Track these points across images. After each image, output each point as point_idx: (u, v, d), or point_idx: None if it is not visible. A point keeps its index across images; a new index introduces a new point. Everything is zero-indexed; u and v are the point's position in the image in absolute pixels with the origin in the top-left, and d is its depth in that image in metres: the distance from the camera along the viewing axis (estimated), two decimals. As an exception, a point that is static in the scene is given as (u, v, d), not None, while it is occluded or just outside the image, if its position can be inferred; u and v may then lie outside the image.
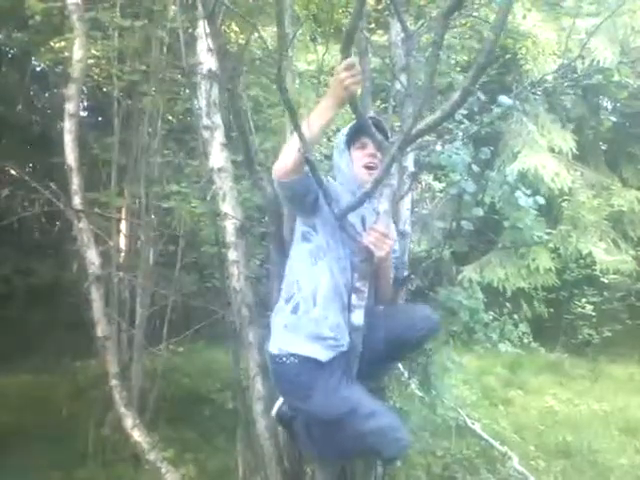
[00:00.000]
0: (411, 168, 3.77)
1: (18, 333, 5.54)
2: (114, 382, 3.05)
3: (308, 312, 2.19)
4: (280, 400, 2.53)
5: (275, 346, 2.23)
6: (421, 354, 3.69)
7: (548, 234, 6.46)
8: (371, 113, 2.63)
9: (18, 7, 4.22)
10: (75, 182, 3.10)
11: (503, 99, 3.41)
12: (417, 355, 3.64)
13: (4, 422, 4.32)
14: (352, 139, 2.38)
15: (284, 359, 2.18)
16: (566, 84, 6.41)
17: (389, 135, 2.40)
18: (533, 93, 6.44)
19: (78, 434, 3.90)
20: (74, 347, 4.83)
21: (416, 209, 4.94)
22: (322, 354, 2.16)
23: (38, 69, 6.10)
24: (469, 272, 6.44)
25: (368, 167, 2.35)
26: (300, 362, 2.17)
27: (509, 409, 5.41)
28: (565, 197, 7.37)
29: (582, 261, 7.43)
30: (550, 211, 6.70)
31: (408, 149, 3.08)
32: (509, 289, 6.56)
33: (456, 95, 2.28)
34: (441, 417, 4.01)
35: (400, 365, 3.72)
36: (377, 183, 2.19)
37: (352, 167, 2.37)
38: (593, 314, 7.64)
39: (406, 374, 3.97)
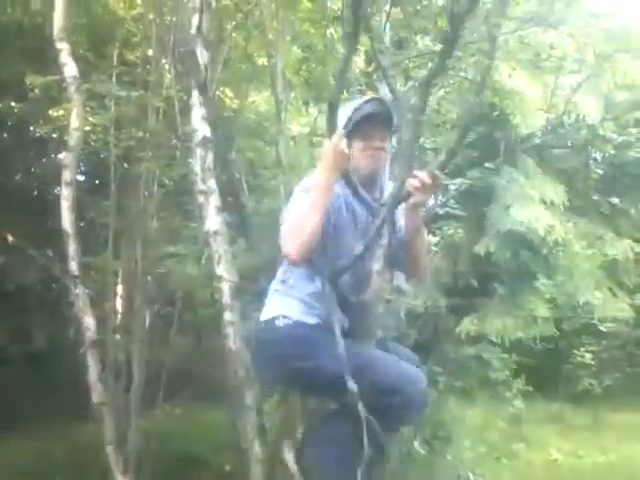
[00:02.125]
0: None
1: (14, 398, 5.47)
2: (110, 448, 3.02)
3: (299, 283, 2.22)
4: None
5: (266, 312, 2.26)
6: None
7: (544, 285, 6.51)
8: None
9: (18, 80, 4.37)
10: (71, 248, 3.15)
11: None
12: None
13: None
14: (354, 128, 2.24)
15: (277, 322, 2.18)
16: (554, 139, 6.58)
17: (394, 119, 2.34)
18: (523, 149, 6.60)
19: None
20: (71, 411, 4.78)
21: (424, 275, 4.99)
22: (311, 319, 2.18)
23: (37, 135, 6.23)
24: (467, 325, 6.43)
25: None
26: (295, 324, 2.17)
27: (513, 463, 5.33)
28: (559, 248, 7.43)
29: (580, 310, 7.43)
30: (545, 263, 6.73)
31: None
32: (507, 340, 6.54)
33: (442, 155, 2.36)
34: (445, 474, 3.97)
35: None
36: (370, 244, 2.23)
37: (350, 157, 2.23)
38: (592, 363, 7.61)
39: (409, 430, 3.93)
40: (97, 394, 3.02)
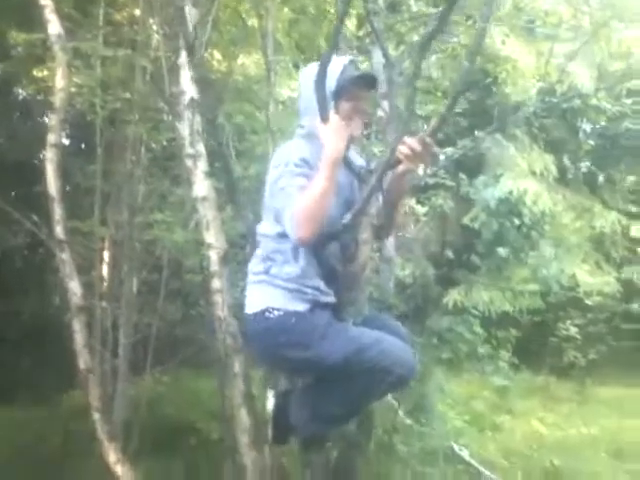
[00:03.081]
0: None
1: (4, 368, 5.44)
2: (97, 415, 3.00)
3: (281, 270, 2.12)
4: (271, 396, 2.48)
5: (252, 304, 2.16)
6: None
7: (531, 257, 6.52)
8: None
9: (1, 38, 4.24)
10: (57, 212, 3.07)
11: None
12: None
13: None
14: (342, 90, 2.14)
15: (267, 314, 2.10)
16: (545, 108, 6.53)
17: (377, 83, 2.31)
18: (514, 117, 6.53)
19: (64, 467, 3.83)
20: (59, 379, 4.76)
21: (400, 233, 4.97)
22: (300, 306, 2.10)
23: (20, 97, 6.09)
24: (453, 295, 6.45)
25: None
26: (285, 314, 2.10)
27: (497, 434, 5.39)
28: (547, 219, 7.44)
29: (565, 283, 7.46)
30: (533, 234, 6.73)
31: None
32: (494, 312, 6.57)
33: (434, 122, 2.30)
34: (430, 444, 3.99)
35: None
36: (358, 213, 2.15)
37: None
38: (578, 337, 7.68)
39: (394, 402, 3.95)
40: (83, 360, 2.98)
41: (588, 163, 8.85)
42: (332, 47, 2.07)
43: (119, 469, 2.90)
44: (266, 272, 2.14)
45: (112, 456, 2.92)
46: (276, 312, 2.09)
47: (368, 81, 2.22)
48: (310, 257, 2.12)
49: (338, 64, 2.13)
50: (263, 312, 2.11)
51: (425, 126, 5.63)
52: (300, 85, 2.26)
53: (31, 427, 4.83)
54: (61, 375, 4.55)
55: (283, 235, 2.04)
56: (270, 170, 2.11)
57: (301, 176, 2.00)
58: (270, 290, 2.13)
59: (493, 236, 5.66)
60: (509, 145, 7.58)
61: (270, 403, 2.47)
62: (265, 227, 2.18)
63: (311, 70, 2.11)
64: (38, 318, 5.55)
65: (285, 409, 2.35)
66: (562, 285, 7.38)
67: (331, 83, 2.09)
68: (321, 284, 2.15)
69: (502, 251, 5.11)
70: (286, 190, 1.99)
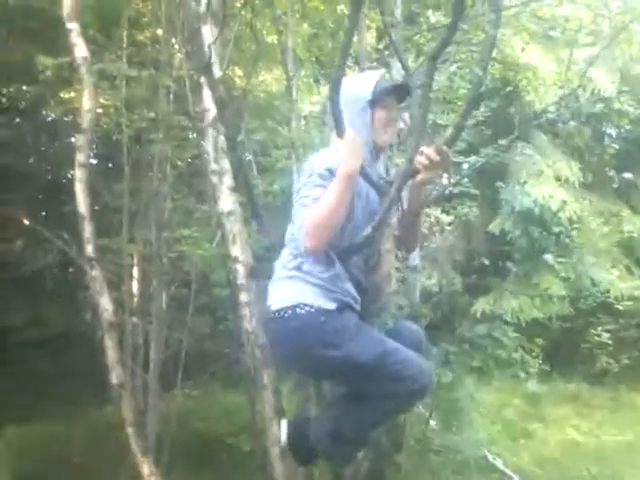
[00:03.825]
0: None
1: (32, 382, 5.53)
2: (130, 430, 3.03)
3: (315, 267, 2.11)
4: (284, 426, 2.44)
5: (281, 299, 2.15)
6: (441, 389, 3.67)
7: (560, 263, 6.46)
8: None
9: (28, 63, 4.35)
10: (87, 230, 3.13)
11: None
12: (436, 390, 3.62)
13: (19, 471, 4.29)
14: (379, 99, 2.21)
15: (298, 310, 2.09)
16: (568, 114, 6.48)
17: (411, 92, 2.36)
18: (536, 124, 6.50)
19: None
20: (89, 395, 4.83)
21: (425, 243, 4.96)
22: (331, 305, 2.10)
23: (48, 119, 6.22)
24: (482, 304, 6.40)
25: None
26: (317, 311, 2.09)
27: (530, 442, 5.32)
28: (575, 226, 7.36)
29: (596, 288, 7.37)
30: (560, 241, 6.67)
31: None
32: (523, 320, 6.51)
33: (450, 131, 2.31)
34: (462, 454, 3.96)
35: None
36: (380, 224, 2.17)
37: (371, 128, 2.22)
38: (610, 342, 7.54)
39: (425, 411, 3.93)
40: (116, 376, 3.03)
41: (614, 168, 8.74)
42: (340, 64, 2.07)
43: (153, 482, 2.93)
44: (298, 268, 2.14)
45: (146, 469, 2.95)
46: (307, 308, 2.09)
47: (402, 91, 2.30)
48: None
49: (373, 77, 2.24)
50: (294, 307, 2.10)
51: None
52: None
53: (63, 441, 4.89)
54: (92, 391, 4.62)
55: None
56: (301, 176, 2.17)
57: (321, 187, 2.05)
58: (301, 286, 2.13)
59: (528, 243, 5.63)
60: (533, 152, 7.53)
61: (283, 433, 2.44)
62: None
63: (347, 82, 2.12)
64: (69, 335, 5.64)
65: (302, 437, 2.34)
66: (593, 290, 7.29)
67: (367, 93, 2.18)
68: (352, 289, 2.18)
69: (537, 258, 5.09)
70: (303, 200, 2.04)
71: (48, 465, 4.47)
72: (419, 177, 2.15)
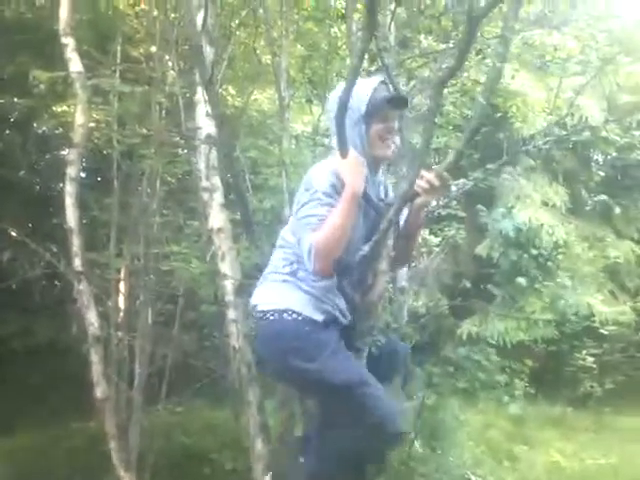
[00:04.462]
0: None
1: (16, 394, 5.48)
2: (113, 444, 3.02)
3: (309, 276, 2.09)
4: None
5: (270, 301, 2.13)
6: (425, 411, 3.67)
7: (545, 287, 6.51)
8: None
9: (22, 76, 4.37)
10: (75, 244, 3.14)
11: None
12: (420, 412, 3.62)
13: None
14: (375, 110, 2.15)
15: (286, 315, 2.08)
16: (556, 141, 6.59)
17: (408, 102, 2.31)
18: (525, 150, 6.60)
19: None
20: (72, 408, 4.79)
21: (413, 264, 4.99)
22: (319, 316, 2.09)
23: (39, 131, 6.22)
24: (468, 326, 6.44)
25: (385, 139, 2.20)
26: (303, 320, 2.07)
27: (515, 465, 5.32)
28: (560, 250, 7.43)
29: (575, 314, 7.42)
30: (546, 265, 6.73)
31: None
32: (508, 342, 6.55)
33: (450, 156, 2.35)
34: (447, 475, 3.96)
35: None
36: (377, 244, 2.20)
37: (366, 141, 2.18)
38: (594, 366, 7.60)
39: (409, 432, 3.93)
40: (101, 390, 3.02)
41: (601, 194, 8.87)
42: (349, 86, 2.08)
43: (134, 498, 2.91)
44: (293, 274, 2.14)
45: (127, 485, 2.94)
46: (295, 315, 2.09)
47: (399, 102, 2.22)
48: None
49: (367, 87, 2.16)
50: (282, 312, 2.10)
51: (437, 158, 5.69)
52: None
53: (46, 453, 4.84)
54: (77, 403, 4.59)
55: None
56: (301, 187, 2.14)
57: (327, 206, 2.04)
58: (293, 292, 2.12)
59: (510, 266, 5.67)
60: (520, 177, 7.63)
61: None
62: (291, 236, 2.20)
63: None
64: (54, 348, 5.61)
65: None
66: (578, 315, 7.34)
67: (361, 106, 2.12)
68: (343, 304, 2.18)
69: (521, 281, 5.13)
70: (309, 220, 2.04)
71: (30, 477, 4.42)
72: (418, 201, 2.18)
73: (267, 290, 2.19)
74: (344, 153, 2.04)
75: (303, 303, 2.11)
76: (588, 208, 8.77)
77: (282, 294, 2.13)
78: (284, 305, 2.10)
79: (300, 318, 2.08)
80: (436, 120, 4.98)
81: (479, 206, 6.09)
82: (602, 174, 8.61)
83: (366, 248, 2.14)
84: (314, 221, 2.03)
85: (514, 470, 5.16)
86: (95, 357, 3.03)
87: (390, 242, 2.41)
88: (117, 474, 3.01)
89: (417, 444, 3.86)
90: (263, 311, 2.15)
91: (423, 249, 5.31)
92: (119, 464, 2.99)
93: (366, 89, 2.14)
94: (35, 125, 5.93)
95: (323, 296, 2.13)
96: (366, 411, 1.99)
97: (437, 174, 2.12)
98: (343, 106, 1.97)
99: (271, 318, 2.12)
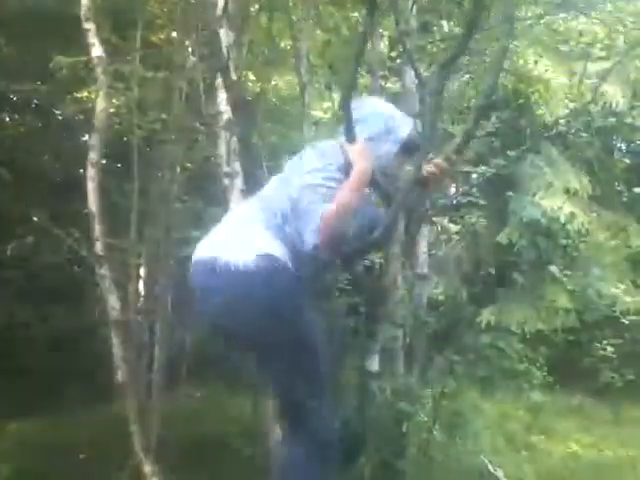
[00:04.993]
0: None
1: (37, 378, 5.56)
2: (133, 428, 3.05)
3: (286, 229, 1.95)
4: None
5: (253, 250, 1.88)
6: (444, 399, 3.66)
7: (566, 275, 6.45)
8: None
9: (44, 62, 4.39)
10: (97, 229, 3.16)
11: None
12: (439, 400, 3.61)
13: (22, 467, 4.31)
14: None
15: (270, 262, 1.87)
16: (579, 127, 6.49)
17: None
18: (547, 136, 6.51)
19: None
20: (93, 393, 4.84)
21: (432, 252, 4.96)
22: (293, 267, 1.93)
23: (60, 118, 6.26)
24: (487, 315, 6.38)
25: None
26: (284, 267, 1.90)
27: (532, 455, 5.30)
28: (582, 239, 7.35)
29: (602, 301, 7.34)
30: (568, 253, 6.66)
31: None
32: (528, 331, 6.50)
33: (458, 139, 2.31)
34: (464, 464, 3.96)
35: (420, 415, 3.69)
36: (386, 230, 2.18)
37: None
38: (614, 356, 7.52)
39: (427, 419, 3.93)
40: (122, 374, 3.04)
41: (624, 182, 8.74)
42: (352, 71, 2.08)
43: (155, 481, 2.94)
44: (278, 229, 1.96)
45: (147, 468, 2.97)
46: (278, 262, 1.89)
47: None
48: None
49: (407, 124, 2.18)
50: (274, 259, 1.89)
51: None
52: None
53: (66, 438, 4.90)
54: (96, 388, 4.65)
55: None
56: (310, 154, 2.07)
57: (337, 183, 1.99)
58: (269, 238, 1.94)
59: (534, 254, 5.62)
60: (542, 164, 7.53)
61: None
62: (282, 191, 2.05)
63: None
64: (74, 333, 5.67)
65: None
66: (598, 304, 7.26)
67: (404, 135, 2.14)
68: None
69: (547, 269, 5.08)
70: (321, 189, 1.96)
71: (50, 461, 4.49)
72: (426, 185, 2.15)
73: (245, 240, 1.93)
74: (351, 139, 2.03)
75: (283, 253, 1.93)
76: (611, 196, 8.65)
77: (269, 242, 1.92)
78: (269, 252, 1.89)
79: (279, 266, 1.89)
80: (451, 104, 4.95)
81: (508, 193, 6.05)
82: (627, 161, 8.45)
83: (376, 233, 2.12)
84: (326, 192, 1.95)
85: (532, 460, 5.13)
86: (116, 341, 3.05)
87: (400, 227, 2.39)
88: (137, 458, 3.03)
89: (435, 432, 3.86)
90: (249, 260, 1.86)
91: (443, 237, 5.28)
92: (139, 448, 3.01)
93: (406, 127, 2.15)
94: (56, 111, 5.96)
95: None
96: (302, 397, 1.90)
97: (445, 158, 2.09)
98: (349, 90, 1.98)
99: (260, 265, 1.86)
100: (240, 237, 1.93)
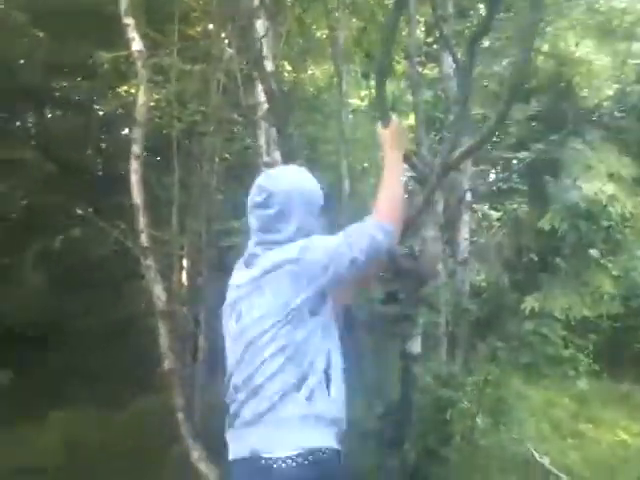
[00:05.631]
0: (467, 197, 3.78)
1: (83, 369, 5.68)
2: (180, 415, 3.10)
3: (324, 394, 1.72)
4: None
5: (290, 443, 1.67)
6: (488, 386, 3.63)
7: (611, 261, 6.31)
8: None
9: (84, 59, 4.48)
10: (141, 220, 3.21)
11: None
12: (483, 387, 3.58)
13: (67, 456, 4.42)
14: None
15: (310, 457, 1.66)
16: (623, 109, 6.33)
17: None
18: (589, 120, 6.37)
19: (142, 468, 3.95)
20: (138, 383, 4.93)
21: (474, 239, 4.92)
22: (337, 443, 1.75)
23: (100, 113, 6.37)
24: (531, 301, 6.30)
25: None
26: (329, 456, 1.70)
27: (579, 442, 5.21)
28: (626, 223, 7.18)
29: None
30: (612, 238, 6.52)
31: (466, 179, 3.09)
32: (572, 318, 6.39)
33: (493, 119, 2.27)
34: (509, 451, 3.92)
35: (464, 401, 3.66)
36: (419, 212, 2.16)
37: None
38: (662, 343, 7.33)
39: (471, 406, 3.90)
40: (168, 362, 3.10)
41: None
42: (385, 53, 2.07)
43: (202, 466, 2.98)
44: (310, 399, 1.71)
45: (195, 454, 3.01)
46: (319, 454, 1.70)
47: None
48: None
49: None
50: (305, 455, 1.67)
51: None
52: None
53: (110, 427, 5.00)
54: (139, 378, 4.74)
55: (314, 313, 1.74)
56: (302, 258, 1.73)
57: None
58: (311, 427, 1.72)
59: (577, 239, 5.52)
60: (585, 148, 7.38)
61: None
62: (296, 331, 1.73)
63: (297, 179, 1.86)
64: (118, 324, 5.78)
65: None
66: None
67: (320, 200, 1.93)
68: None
69: (590, 253, 4.98)
70: (338, 240, 1.76)
71: (95, 450, 4.59)
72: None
73: (286, 431, 1.70)
74: (385, 121, 2.01)
75: (327, 436, 1.73)
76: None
77: (305, 435, 1.70)
78: (309, 446, 1.68)
79: (326, 456, 1.71)
80: (493, 88, 4.86)
81: (547, 177, 5.94)
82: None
83: (412, 212, 2.11)
84: (341, 235, 1.77)
85: (578, 447, 5.05)
86: (162, 330, 3.11)
87: (439, 209, 2.37)
88: (184, 444, 3.09)
89: (479, 419, 3.83)
90: (288, 457, 1.66)
91: (484, 224, 5.23)
92: (186, 434, 3.06)
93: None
94: (97, 106, 6.07)
95: (342, 408, 1.79)
96: None
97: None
98: (382, 71, 1.97)
99: (299, 463, 1.66)
100: (275, 427, 1.70)
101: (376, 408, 2.81)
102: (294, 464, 1.64)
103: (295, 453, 1.65)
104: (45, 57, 5.03)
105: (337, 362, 1.78)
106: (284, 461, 1.64)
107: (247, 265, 1.83)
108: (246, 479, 1.70)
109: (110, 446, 4.61)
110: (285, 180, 1.83)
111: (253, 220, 1.85)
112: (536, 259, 5.11)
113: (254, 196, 1.83)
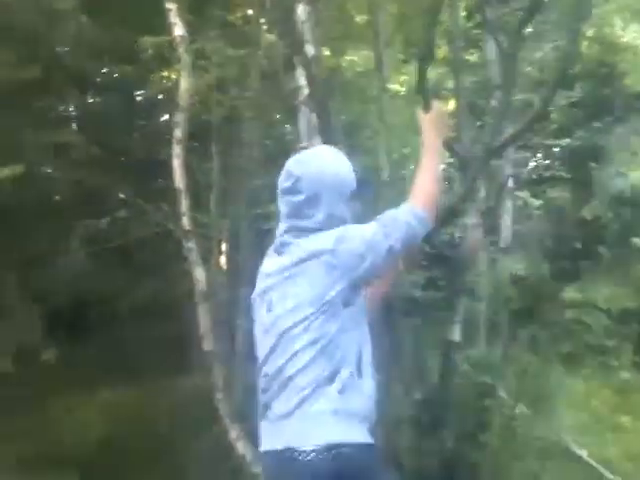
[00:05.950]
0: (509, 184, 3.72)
1: (125, 349, 5.80)
2: (219, 395, 3.15)
3: (356, 388, 1.69)
4: None
5: (323, 437, 1.64)
6: (528, 375, 3.60)
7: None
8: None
9: (127, 44, 4.53)
10: (184, 204, 3.26)
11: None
12: (523, 375, 3.55)
13: (110, 434, 4.53)
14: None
15: (343, 450, 1.64)
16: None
17: None
18: (635, 107, 6.20)
19: (177, 448, 4.03)
20: (177, 363, 5.03)
21: (516, 226, 4.85)
22: (369, 437, 1.72)
23: (139, 99, 6.45)
24: (572, 291, 6.20)
25: None
26: (359, 449, 1.68)
27: (619, 436, 5.12)
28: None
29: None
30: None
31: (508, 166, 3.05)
32: (614, 309, 6.28)
33: (537, 104, 2.23)
34: (547, 441, 3.89)
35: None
36: (461, 199, 2.15)
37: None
38: None
39: (509, 397, 3.88)
40: (208, 343, 3.15)
41: None
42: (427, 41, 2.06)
43: (240, 445, 3.03)
44: (342, 392, 1.68)
45: (233, 434, 3.06)
46: (348, 449, 1.67)
47: None
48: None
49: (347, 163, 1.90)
50: (339, 447, 1.65)
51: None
52: None
53: (151, 407, 5.11)
54: (177, 359, 4.83)
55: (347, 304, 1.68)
56: (341, 249, 1.67)
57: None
58: (343, 421, 1.69)
59: (622, 227, 5.40)
60: (629, 135, 7.21)
61: None
62: (312, 298, 1.67)
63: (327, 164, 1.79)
64: (156, 306, 5.87)
65: None
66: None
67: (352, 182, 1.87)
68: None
69: (635, 241, 4.86)
70: (377, 233, 1.70)
71: (136, 430, 4.69)
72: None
73: (318, 424, 1.68)
74: (427, 104, 1.96)
75: (359, 430, 1.70)
76: None
77: (336, 428, 1.68)
78: (339, 439, 1.66)
79: (353, 450, 1.68)
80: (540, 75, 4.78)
81: (592, 165, 5.82)
82: None
83: (453, 201, 2.08)
84: (376, 223, 1.73)
85: (617, 440, 4.96)
86: (202, 311, 3.15)
87: (482, 195, 2.35)
88: (223, 423, 3.13)
89: (518, 407, 3.81)
90: (316, 449, 1.65)
91: (526, 212, 5.16)
92: (225, 414, 3.11)
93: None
94: (137, 92, 6.14)
95: (372, 402, 1.76)
96: None
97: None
98: (425, 57, 1.96)
99: (327, 456, 1.64)
100: (308, 421, 1.67)
101: (415, 393, 2.81)
102: (326, 458, 1.62)
103: (327, 447, 1.63)
104: (89, 42, 5.11)
105: (367, 354, 1.74)
106: (317, 455, 1.62)
107: (278, 253, 1.77)
108: (278, 471, 1.70)
109: (150, 423, 4.72)
110: (314, 164, 1.77)
111: (282, 206, 1.78)
112: (578, 247, 5.01)
113: (283, 181, 1.76)
